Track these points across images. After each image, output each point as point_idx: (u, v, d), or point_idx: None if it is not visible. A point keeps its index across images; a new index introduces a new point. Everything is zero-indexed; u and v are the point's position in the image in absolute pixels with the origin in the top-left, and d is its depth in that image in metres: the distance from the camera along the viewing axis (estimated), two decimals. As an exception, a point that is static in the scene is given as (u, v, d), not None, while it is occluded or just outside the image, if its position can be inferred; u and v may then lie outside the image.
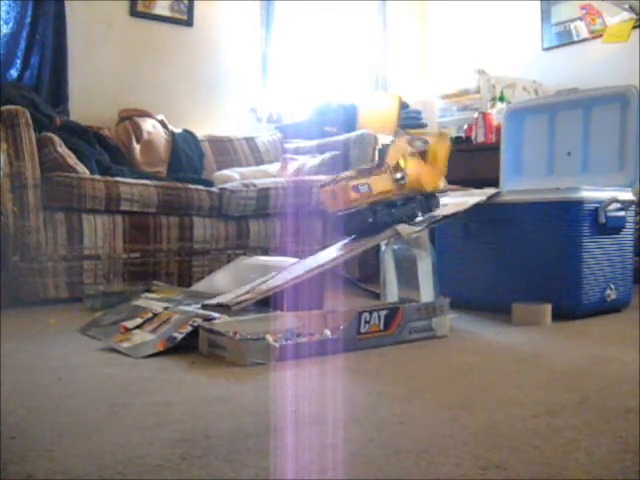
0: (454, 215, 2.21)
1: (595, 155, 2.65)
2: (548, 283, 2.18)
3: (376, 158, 2.26)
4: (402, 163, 2.12)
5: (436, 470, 0.90)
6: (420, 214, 2.17)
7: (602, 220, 2.19)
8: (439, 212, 2.20)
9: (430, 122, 4.38)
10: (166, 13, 3.91)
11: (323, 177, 3.26)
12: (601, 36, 3.72)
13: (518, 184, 2.81)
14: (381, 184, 2.12)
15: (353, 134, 3.54)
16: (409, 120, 4.29)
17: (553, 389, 1.31)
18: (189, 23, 4.00)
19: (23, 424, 1.10)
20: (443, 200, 2.25)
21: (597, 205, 2.20)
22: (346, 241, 2.19)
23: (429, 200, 2.20)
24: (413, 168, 2.14)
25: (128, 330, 1.81)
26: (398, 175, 2.14)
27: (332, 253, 2.10)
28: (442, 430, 1.06)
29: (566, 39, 4.09)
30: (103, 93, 3.67)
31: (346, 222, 2.13)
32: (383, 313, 1.73)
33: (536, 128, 2.86)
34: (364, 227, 2.09)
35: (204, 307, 1.87)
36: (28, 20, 3.42)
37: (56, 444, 1.00)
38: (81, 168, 2.75)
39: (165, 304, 1.97)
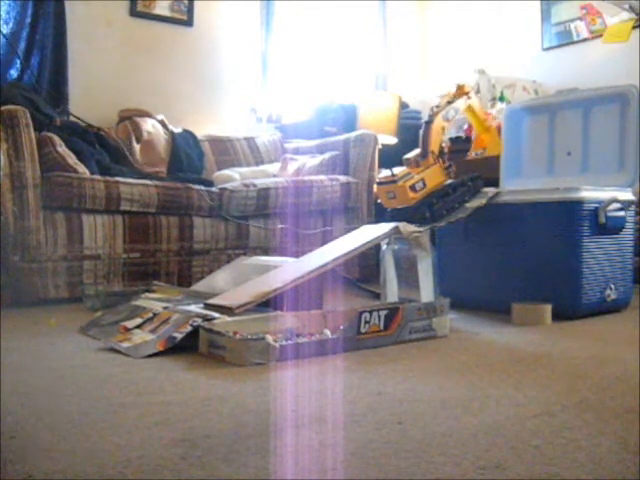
0: (458, 220, 2.26)
1: (595, 155, 2.65)
2: (548, 283, 2.18)
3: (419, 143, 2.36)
4: (445, 148, 2.28)
5: (436, 470, 0.90)
6: (468, 197, 2.31)
7: (602, 220, 2.19)
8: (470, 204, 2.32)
9: (430, 122, 4.38)
10: (166, 13, 3.91)
11: (323, 177, 3.27)
12: (601, 36, 3.72)
13: (518, 184, 2.81)
14: (434, 178, 2.26)
15: (353, 134, 3.54)
16: (409, 120, 4.29)
17: (553, 389, 1.31)
18: (189, 23, 4.00)
19: (23, 424, 1.10)
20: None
21: (597, 205, 2.20)
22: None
23: (475, 182, 2.33)
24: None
25: (128, 330, 1.81)
26: (447, 164, 2.28)
27: (334, 250, 2.10)
28: (442, 430, 1.06)
29: (566, 39, 4.09)
30: (103, 93, 3.67)
31: (404, 217, 2.18)
32: (383, 313, 1.73)
33: (536, 128, 2.86)
34: (423, 221, 2.18)
35: (206, 306, 1.87)
36: (28, 20, 3.42)
37: (56, 444, 1.00)
38: (81, 168, 2.75)
39: (165, 304, 1.97)
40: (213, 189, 3.02)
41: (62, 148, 2.76)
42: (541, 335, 1.91)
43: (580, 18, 3.98)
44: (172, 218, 2.87)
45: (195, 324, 1.67)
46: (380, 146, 3.53)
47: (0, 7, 3.36)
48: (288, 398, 1.27)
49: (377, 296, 2.47)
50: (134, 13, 3.82)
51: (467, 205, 2.29)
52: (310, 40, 4.54)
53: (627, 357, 1.59)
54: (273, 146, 3.95)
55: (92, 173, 2.80)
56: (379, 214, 3.01)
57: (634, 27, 3.54)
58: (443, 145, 2.35)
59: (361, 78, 4.78)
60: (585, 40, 3.98)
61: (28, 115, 2.61)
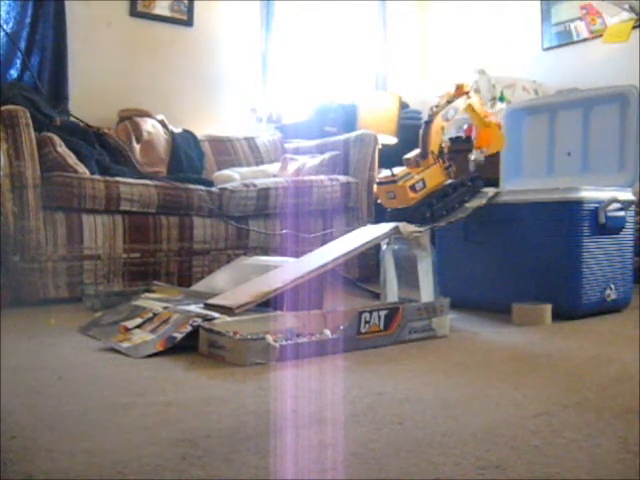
0: (458, 220, 2.25)
1: (595, 155, 2.65)
2: (548, 283, 2.18)
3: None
4: (445, 148, 2.27)
5: (436, 470, 0.90)
6: (468, 197, 2.31)
7: (602, 220, 2.19)
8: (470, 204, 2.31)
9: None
10: (166, 13, 3.91)
11: (323, 177, 3.27)
12: (601, 36, 3.72)
13: (518, 184, 2.81)
14: (435, 178, 2.25)
15: (353, 134, 3.54)
16: (409, 120, 4.29)
17: (553, 389, 1.31)
18: (189, 23, 4.00)
19: (23, 424, 1.10)
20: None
21: (597, 205, 2.20)
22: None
23: (475, 182, 2.33)
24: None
25: (128, 330, 1.81)
26: (447, 164, 2.27)
27: (334, 250, 2.10)
28: (442, 430, 1.06)
29: (566, 39, 4.09)
30: (103, 93, 3.67)
31: (404, 217, 2.18)
32: (383, 313, 1.73)
33: (536, 128, 2.86)
34: (423, 221, 2.17)
35: (206, 306, 1.87)
36: (28, 20, 3.42)
37: (56, 444, 1.00)
38: (81, 168, 2.75)
39: (165, 304, 1.97)
40: (213, 189, 3.02)
41: (62, 148, 2.76)
42: (541, 335, 1.91)
43: (580, 18, 3.98)
44: (172, 218, 2.87)
45: (195, 324, 1.67)
46: (380, 146, 3.53)
47: (0, 7, 3.36)
48: (288, 398, 1.27)
49: (377, 296, 2.47)
50: (134, 13, 3.82)
51: (467, 205, 2.28)
52: (310, 40, 4.54)
53: (627, 357, 1.59)
54: (273, 146, 3.95)
55: (92, 173, 2.80)
56: (379, 214, 3.00)
57: (634, 27, 3.53)
58: (443, 145, 2.34)
59: (361, 78, 4.78)
60: (585, 40, 3.98)
61: (28, 115, 2.61)
